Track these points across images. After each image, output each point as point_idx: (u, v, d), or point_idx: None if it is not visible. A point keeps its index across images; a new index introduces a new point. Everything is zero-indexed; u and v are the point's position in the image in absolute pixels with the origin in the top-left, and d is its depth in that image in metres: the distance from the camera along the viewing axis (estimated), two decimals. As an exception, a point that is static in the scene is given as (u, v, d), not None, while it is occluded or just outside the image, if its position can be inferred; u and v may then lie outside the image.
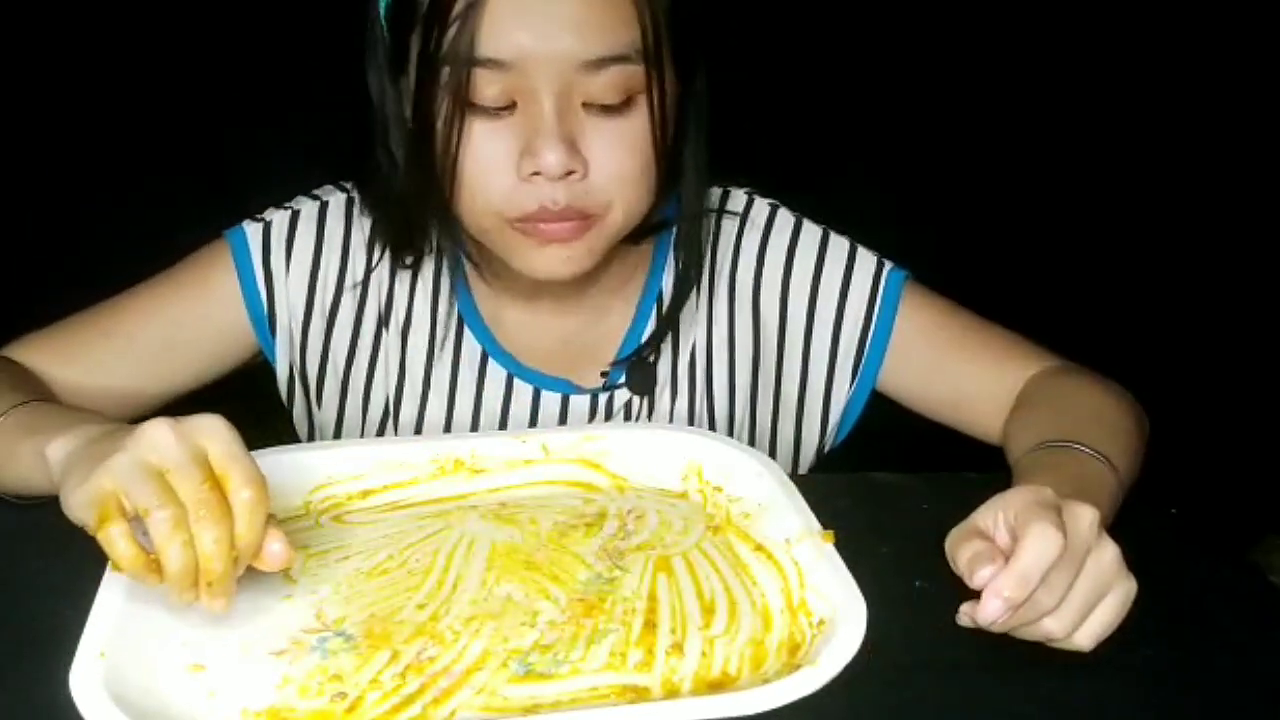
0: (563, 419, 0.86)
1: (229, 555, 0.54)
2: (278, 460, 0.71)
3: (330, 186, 0.89)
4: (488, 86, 0.70)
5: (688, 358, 0.87)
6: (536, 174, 0.71)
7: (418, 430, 0.87)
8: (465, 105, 0.71)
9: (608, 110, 0.71)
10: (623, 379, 0.86)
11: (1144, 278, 1.63)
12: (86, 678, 0.50)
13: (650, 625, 0.59)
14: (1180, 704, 0.57)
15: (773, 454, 0.89)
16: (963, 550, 0.58)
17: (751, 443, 0.88)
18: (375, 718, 0.52)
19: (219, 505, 0.54)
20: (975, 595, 0.57)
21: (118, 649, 0.53)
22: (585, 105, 0.71)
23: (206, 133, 1.45)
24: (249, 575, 0.62)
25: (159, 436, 0.54)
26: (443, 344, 0.87)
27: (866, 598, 0.56)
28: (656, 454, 0.75)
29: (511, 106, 0.71)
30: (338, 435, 0.90)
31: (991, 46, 1.53)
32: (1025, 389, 0.83)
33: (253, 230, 0.87)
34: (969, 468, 0.79)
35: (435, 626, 0.58)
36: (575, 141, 0.71)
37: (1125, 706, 0.57)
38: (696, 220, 0.83)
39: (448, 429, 0.87)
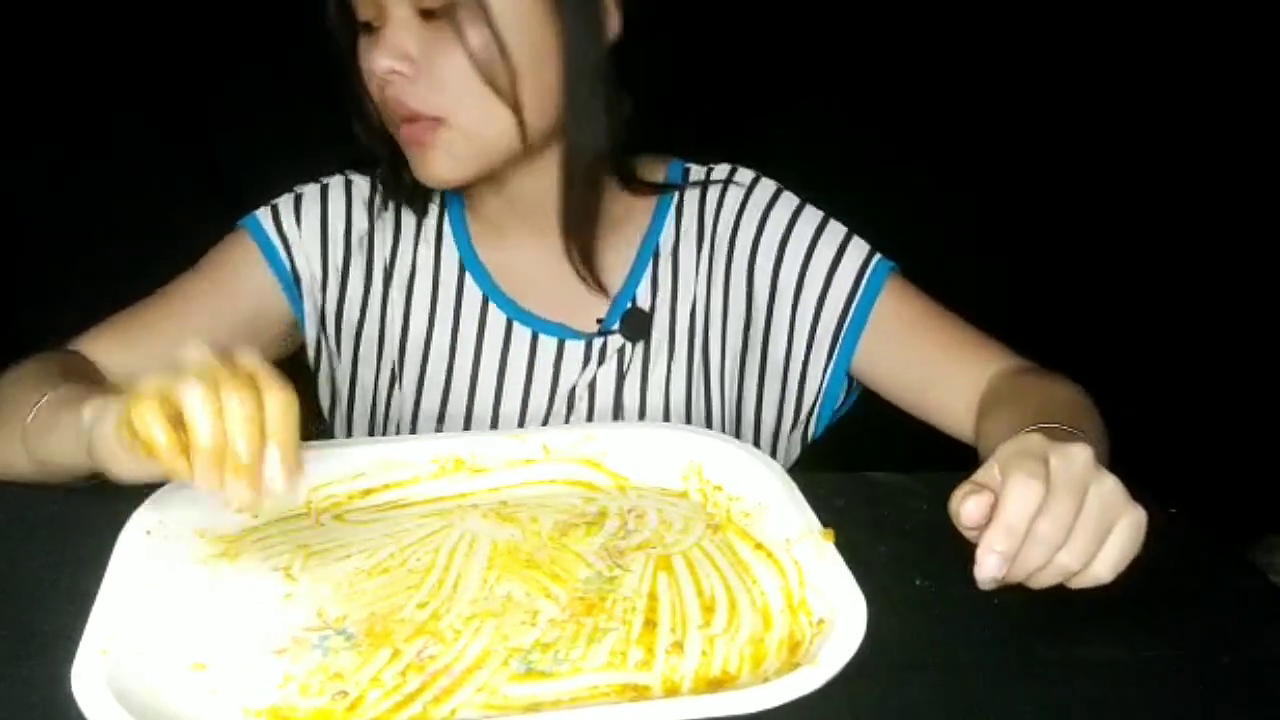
0: (558, 363, 0.90)
1: (257, 440, 0.55)
2: (279, 459, 0.72)
3: (327, 177, 0.95)
4: (358, 9, 0.79)
5: (687, 312, 0.91)
6: (385, 78, 0.80)
7: (421, 376, 0.91)
8: (351, 29, 0.81)
9: (431, 24, 0.78)
10: (617, 325, 0.90)
11: (1145, 276, 1.63)
12: (88, 676, 0.50)
13: (650, 624, 0.59)
14: (1180, 704, 0.57)
15: (758, 420, 0.93)
16: (955, 499, 0.59)
17: (741, 405, 0.92)
18: (376, 716, 0.52)
19: (251, 394, 0.56)
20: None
21: (119, 647, 0.53)
22: (421, 20, 0.78)
23: (199, 129, 1.45)
24: (249, 574, 0.62)
25: (192, 354, 0.58)
26: (445, 292, 0.92)
27: (866, 597, 0.56)
28: (657, 453, 0.75)
29: (378, 24, 0.79)
30: (352, 394, 0.94)
31: (986, 39, 1.53)
32: (993, 387, 0.85)
33: (263, 212, 0.93)
34: (968, 467, 0.79)
35: (436, 625, 0.59)
36: (409, 49, 0.78)
37: (1125, 706, 0.57)
38: (584, 152, 0.84)
39: (450, 374, 0.90)
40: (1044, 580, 0.59)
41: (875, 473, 0.79)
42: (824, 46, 1.50)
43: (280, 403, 0.56)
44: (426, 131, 0.80)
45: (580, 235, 0.87)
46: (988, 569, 0.56)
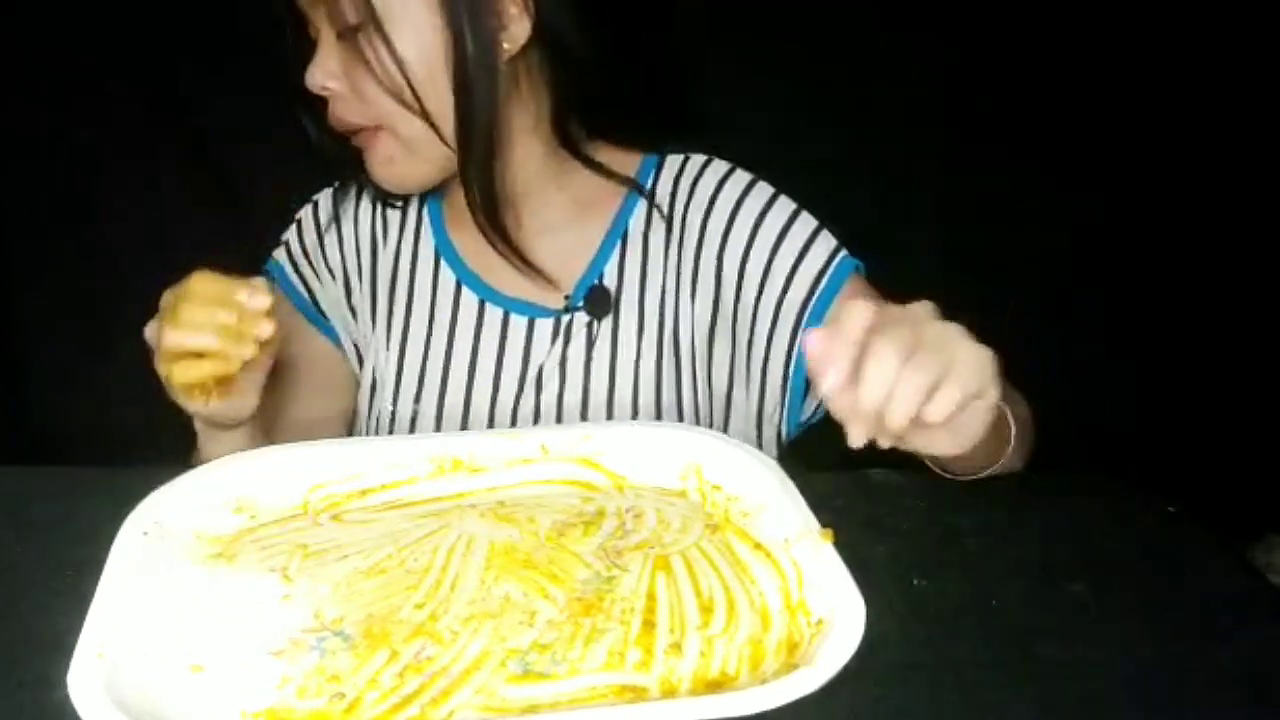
0: (529, 340, 0.93)
1: (220, 311, 0.70)
2: (277, 459, 0.72)
3: (323, 191, 1.00)
4: (300, 23, 0.85)
5: (656, 295, 0.93)
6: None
7: (401, 360, 0.94)
8: (306, 40, 0.85)
9: (343, 38, 0.82)
10: (581, 302, 0.92)
11: (1144, 275, 1.63)
12: (85, 678, 0.50)
13: (649, 624, 0.59)
14: (1179, 704, 0.57)
15: (729, 405, 0.95)
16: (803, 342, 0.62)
17: (713, 390, 0.94)
18: (374, 718, 0.52)
19: (184, 291, 0.72)
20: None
21: (116, 649, 0.53)
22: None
23: (196, 124, 1.45)
24: (246, 575, 0.62)
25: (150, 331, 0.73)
26: (422, 278, 0.96)
27: (864, 597, 0.56)
28: (655, 453, 0.75)
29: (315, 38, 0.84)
30: (371, 404, 0.97)
31: (975, 36, 1.52)
32: None
33: (279, 254, 0.99)
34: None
35: (434, 626, 0.58)
36: (335, 67, 0.83)
37: (1124, 706, 0.56)
38: (478, 149, 0.86)
39: (425, 356, 0.94)
40: (899, 409, 0.57)
41: (873, 470, 0.79)
42: (798, 41, 1.49)
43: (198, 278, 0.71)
44: (370, 138, 0.86)
45: (490, 219, 0.89)
46: (830, 381, 0.57)
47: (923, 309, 0.61)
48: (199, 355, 0.71)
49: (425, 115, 0.83)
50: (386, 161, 0.87)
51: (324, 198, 1.00)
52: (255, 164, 1.01)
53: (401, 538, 0.67)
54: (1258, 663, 0.60)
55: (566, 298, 0.93)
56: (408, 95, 0.82)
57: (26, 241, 1.46)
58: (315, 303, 0.98)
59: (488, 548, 0.66)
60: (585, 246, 0.94)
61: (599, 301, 0.92)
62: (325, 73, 0.83)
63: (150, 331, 0.73)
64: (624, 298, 0.93)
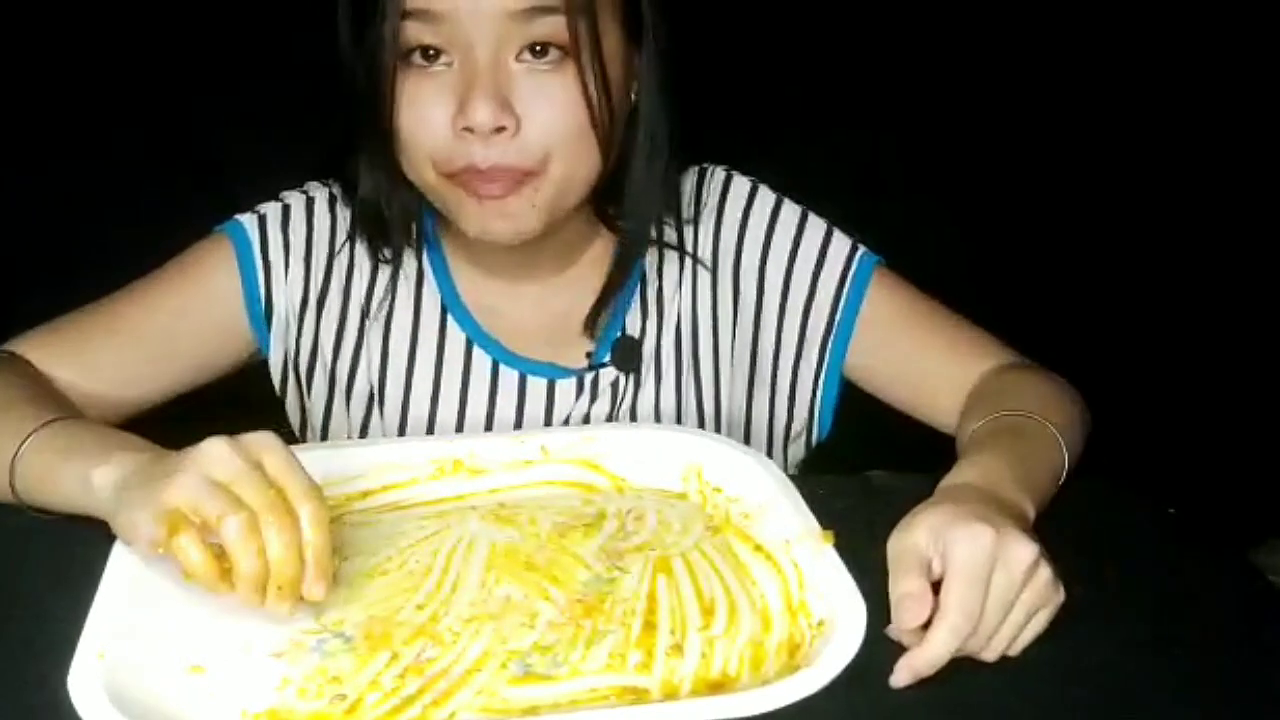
0: (550, 402, 0.86)
1: (298, 560, 0.56)
2: (277, 461, 0.71)
3: (314, 183, 0.90)
4: (421, 38, 0.72)
5: (672, 335, 0.88)
6: (469, 129, 0.72)
7: (403, 420, 0.87)
8: (400, 58, 0.72)
9: (541, 64, 0.72)
10: (608, 357, 0.87)
11: (1143, 276, 1.63)
12: (85, 679, 0.50)
13: (650, 626, 0.59)
14: (1180, 704, 0.57)
15: (748, 426, 0.90)
16: (899, 580, 0.58)
17: (732, 416, 0.89)
18: (375, 719, 0.52)
19: (286, 512, 0.57)
20: None
21: (117, 650, 0.53)
22: (519, 59, 0.72)
23: (192, 131, 1.45)
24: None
25: (218, 451, 0.58)
26: (426, 333, 0.87)
27: (865, 598, 0.56)
28: (656, 454, 0.75)
29: (447, 60, 0.72)
30: (326, 425, 0.90)
31: (985, 36, 1.53)
32: (978, 386, 0.84)
33: (249, 221, 0.87)
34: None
35: (434, 627, 0.58)
36: (508, 97, 0.72)
37: (1124, 707, 0.56)
38: (646, 191, 0.82)
39: (432, 418, 0.86)
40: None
41: (875, 473, 0.79)
42: (816, 51, 1.50)
43: (313, 518, 0.57)
44: (509, 187, 0.74)
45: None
46: (900, 680, 0.56)
47: (1024, 570, 0.57)
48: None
49: (608, 147, 0.75)
50: (523, 205, 0.75)
51: (320, 198, 0.88)
52: (260, 181, 0.97)
53: (402, 539, 0.67)
54: (1259, 665, 0.60)
55: (589, 355, 0.87)
56: (606, 123, 0.73)
57: (31, 247, 1.46)
58: (268, 308, 0.86)
59: (488, 549, 0.66)
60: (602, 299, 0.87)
61: (627, 353, 0.86)
62: (499, 103, 0.71)
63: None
64: (645, 344, 0.87)
